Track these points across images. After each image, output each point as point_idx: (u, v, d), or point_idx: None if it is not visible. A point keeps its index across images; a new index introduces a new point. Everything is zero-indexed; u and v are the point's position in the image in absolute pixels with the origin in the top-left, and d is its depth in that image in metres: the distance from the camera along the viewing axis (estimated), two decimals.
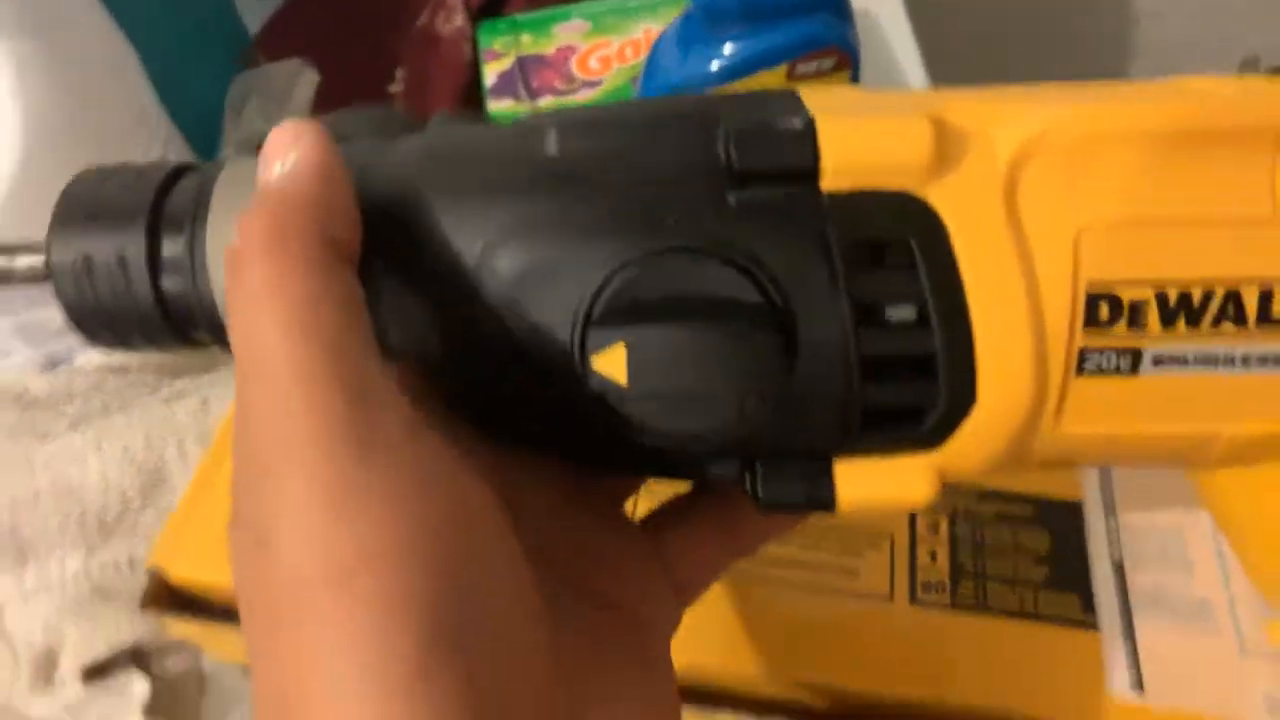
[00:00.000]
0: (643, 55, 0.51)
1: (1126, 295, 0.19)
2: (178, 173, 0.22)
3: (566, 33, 0.54)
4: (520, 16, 0.55)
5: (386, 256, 0.20)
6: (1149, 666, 0.31)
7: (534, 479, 0.21)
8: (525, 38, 0.54)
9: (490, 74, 0.53)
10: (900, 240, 0.19)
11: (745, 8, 0.41)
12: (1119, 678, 0.30)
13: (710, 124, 0.19)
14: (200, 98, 0.52)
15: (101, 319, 0.21)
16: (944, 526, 0.33)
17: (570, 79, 0.52)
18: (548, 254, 0.19)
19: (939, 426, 0.19)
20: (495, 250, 0.19)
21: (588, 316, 0.19)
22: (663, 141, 0.20)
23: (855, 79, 0.44)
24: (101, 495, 0.40)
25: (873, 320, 0.19)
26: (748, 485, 0.20)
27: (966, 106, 0.20)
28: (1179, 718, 0.29)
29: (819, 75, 0.43)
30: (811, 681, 0.30)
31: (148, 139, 0.45)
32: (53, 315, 0.23)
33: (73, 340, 0.38)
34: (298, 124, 0.19)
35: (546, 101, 0.52)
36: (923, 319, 0.19)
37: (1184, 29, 0.67)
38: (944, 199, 0.19)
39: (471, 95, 0.54)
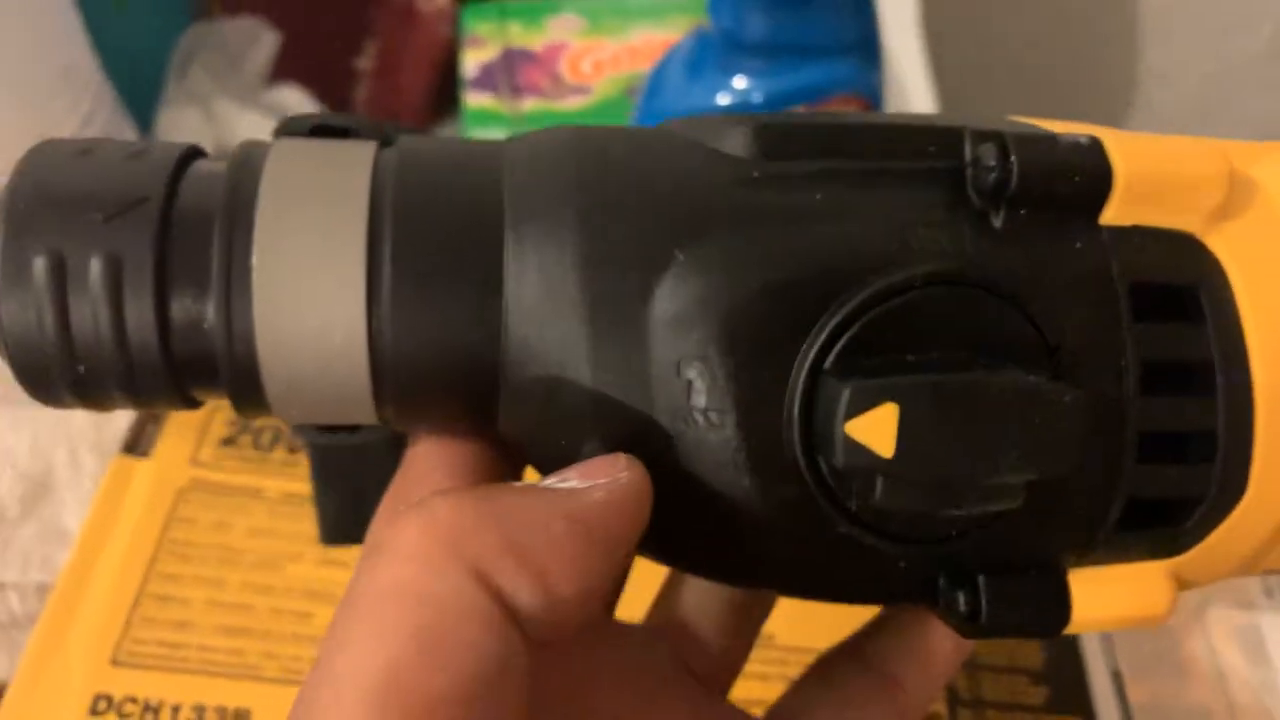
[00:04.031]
0: (639, 65, 0.47)
1: None
2: (189, 156, 0.16)
3: (559, 28, 0.49)
4: (510, 2, 0.50)
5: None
6: None
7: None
8: (514, 27, 0.49)
9: (471, 63, 0.48)
10: (1189, 289, 0.16)
11: (770, 41, 0.37)
12: None
13: (952, 136, 0.16)
14: (143, 50, 0.46)
15: (58, 355, 0.15)
16: None
17: (558, 81, 0.48)
18: (750, 284, 0.15)
19: (1201, 523, 0.16)
20: (664, 284, 0.15)
21: (817, 365, 0.15)
22: (900, 148, 0.16)
23: None
24: None
25: (1159, 384, 0.16)
26: (959, 605, 0.16)
27: (1219, 144, 0.17)
28: None
29: None
30: None
31: (74, 94, 0.39)
32: None
33: None
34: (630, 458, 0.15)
35: (529, 103, 0.47)
36: (1206, 386, 0.16)
37: (1189, 94, 0.66)
38: (1228, 246, 0.16)
39: (445, 84, 0.49)
